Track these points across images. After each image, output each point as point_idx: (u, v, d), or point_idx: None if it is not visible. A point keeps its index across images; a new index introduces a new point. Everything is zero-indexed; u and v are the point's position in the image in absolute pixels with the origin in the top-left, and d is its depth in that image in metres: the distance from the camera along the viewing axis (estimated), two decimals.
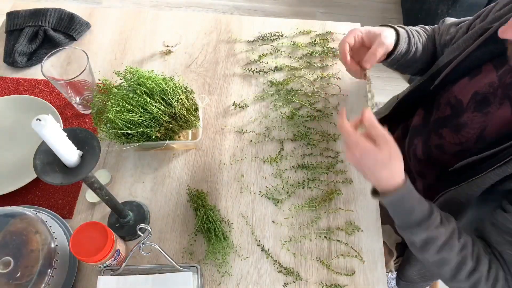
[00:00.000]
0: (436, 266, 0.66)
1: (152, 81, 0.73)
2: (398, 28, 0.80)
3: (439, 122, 0.80)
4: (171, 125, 0.74)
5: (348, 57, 0.77)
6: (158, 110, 0.72)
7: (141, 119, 0.71)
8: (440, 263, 0.65)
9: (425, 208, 0.62)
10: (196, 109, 0.78)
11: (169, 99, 0.73)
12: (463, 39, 0.76)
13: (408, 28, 0.84)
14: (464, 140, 0.73)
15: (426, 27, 0.90)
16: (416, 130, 0.89)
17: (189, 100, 0.76)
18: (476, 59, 0.71)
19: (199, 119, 0.78)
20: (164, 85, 0.73)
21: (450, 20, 0.88)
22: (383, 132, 0.60)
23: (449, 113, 0.78)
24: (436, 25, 0.91)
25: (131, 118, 0.70)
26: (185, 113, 0.75)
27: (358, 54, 0.78)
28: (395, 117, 0.99)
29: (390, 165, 0.60)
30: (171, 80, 0.76)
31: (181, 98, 0.74)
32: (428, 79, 0.83)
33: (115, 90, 0.74)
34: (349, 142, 0.62)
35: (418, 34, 0.85)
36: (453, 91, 0.78)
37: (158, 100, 0.72)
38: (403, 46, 0.79)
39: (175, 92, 0.74)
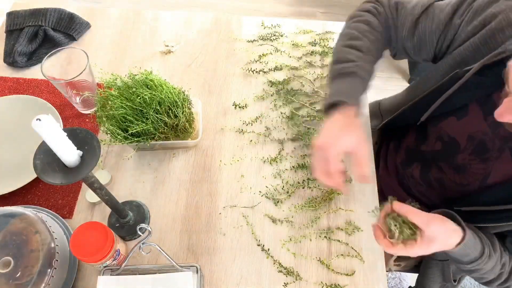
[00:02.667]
0: (475, 278, 0.73)
1: (164, 90, 0.72)
2: (353, 102, 0.67)
3: (434, 155, 0.79)
4: (168, 135, 0.75)
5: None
6: (159, 121, 0.72)
7: (141, 125, 0.71)
8: (480, 278, 0.71)
9: (477, 252, 0.65)
10: (193, 120, 0.79)
11: (176, 111, 0.73)
12: (436, 69, 0.73)
13: (360, 69, 0.70)
14: (466, 183, 0.73)
15: (373, 21, 0.75)
16: (412, 153, 0.87)
17: (190, 110, 0.77)
18: (460, 100, 0.68)
19: (194, 130, 0.80)
20: (175, 97, 0.73)
21: (407, 5, 0.74)
22: (422, 218, 0.58)
23: (440, 149, 0.77)
24: (383, 2, 0.77)
25: (131, 119, 0.71)
26: (187, 125, 0.76)
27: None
28: (385, 131, 0.98)
29: (445, 243, 0.61)
30: (183, 93, 0.76)
31: (185, 111, 0.75)
32: (412, 107, 0.79)
33: (123, 84, 0.73)
34: (409, 254, 0.61)
35: (364, 61, 0.72)
36: (442, 127, 0.75)
37: (164, 110, 0.72)
38: (361, 101, 0.69)
39: (183, 105, 0.74)
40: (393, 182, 0.93)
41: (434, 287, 0.88)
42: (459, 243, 0.61)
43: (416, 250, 0.59)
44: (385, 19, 0.76)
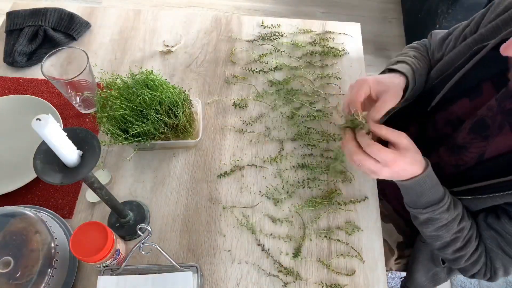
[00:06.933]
0: (430, 238, 0.73)
1: (164, 90, 0.72)
2: (404, 71, 0.75)
3: (437, 140, 0.79)
4: (168, 135, 0.75)
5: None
6: (159, 121, 0.72)
7: (141, 125, 0.71)
8: (434, 238, 0.72)
9: (436, 196, 0.65)
10: (193, 120, 0.79)
11: (176, 111, 0.73)
12: (454, 52, 0.74)
13: (410, 60, 0.79)
14: (462, 163, 0.73)
15: (419, 45, 0.88)
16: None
17: (190, 110, 0.77)
18: (474, 78, 0.68)
19: (194, 130, 0.80)
20: (175, 97, 0.73)
21: (439, 33, 0.85)
22: (393, 133, 0.62)
23: (449, 132, 0.76)
24: (425, 40, 0.89)
25: (131, 120, 0.71)
26: (187, 125, 0.76)
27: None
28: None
29: (412, 161, 0.62)
30: (183, 93, 0.76)
31: (186, 111, 0.75)
32: (421, 97, 0.80)
33: (122, 84, 0.73)
34: (381, 156, 0.61)
35: (418, 61, 0.81)
36: (453, 111, 0.75)
37: (164, 110, 0.72)
38: (411, 85, 0.76)
39: (184, 105, 0.74)
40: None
41: (423, 269, 0.88)
42: (420, 174, 0.63)
43: (389, 155, 0.60)
44: (427, 48, 0.87)
